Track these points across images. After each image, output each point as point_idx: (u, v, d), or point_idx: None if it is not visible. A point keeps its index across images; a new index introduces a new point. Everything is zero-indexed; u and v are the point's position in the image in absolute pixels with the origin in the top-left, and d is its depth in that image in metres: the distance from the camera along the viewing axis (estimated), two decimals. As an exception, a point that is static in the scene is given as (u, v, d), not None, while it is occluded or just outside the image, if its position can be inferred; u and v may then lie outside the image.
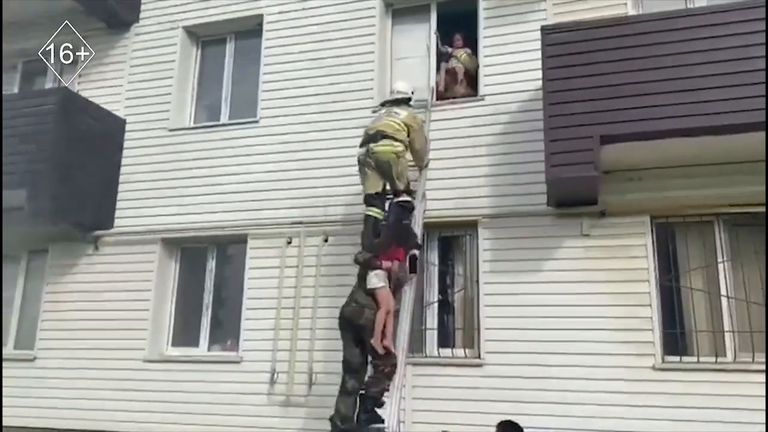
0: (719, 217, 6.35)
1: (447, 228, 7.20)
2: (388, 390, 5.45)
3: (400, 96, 6.65)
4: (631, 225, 6.48)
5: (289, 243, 7.49)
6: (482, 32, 7.48)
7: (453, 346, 6.95)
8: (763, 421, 5.61)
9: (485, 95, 7.27)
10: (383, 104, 6.78)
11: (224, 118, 8.43)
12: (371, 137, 6.29)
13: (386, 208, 6.32)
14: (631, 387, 6.08)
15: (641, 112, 5.83)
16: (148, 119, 8.42)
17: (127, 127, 8.46)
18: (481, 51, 7.44)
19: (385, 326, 5.49)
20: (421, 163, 6.77)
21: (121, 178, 8.31)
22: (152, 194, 8.12)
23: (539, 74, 6.46)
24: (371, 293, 5.59)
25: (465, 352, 6.83)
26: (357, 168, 6.47)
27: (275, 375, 7.09)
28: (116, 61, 8.80)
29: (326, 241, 7.37)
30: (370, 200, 6.29)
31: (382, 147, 6.19)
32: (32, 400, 7.83)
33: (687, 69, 5.80)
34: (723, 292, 6.21)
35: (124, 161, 8.36)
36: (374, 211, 6.24)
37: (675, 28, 5.97)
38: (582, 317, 6.38)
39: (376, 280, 5.61)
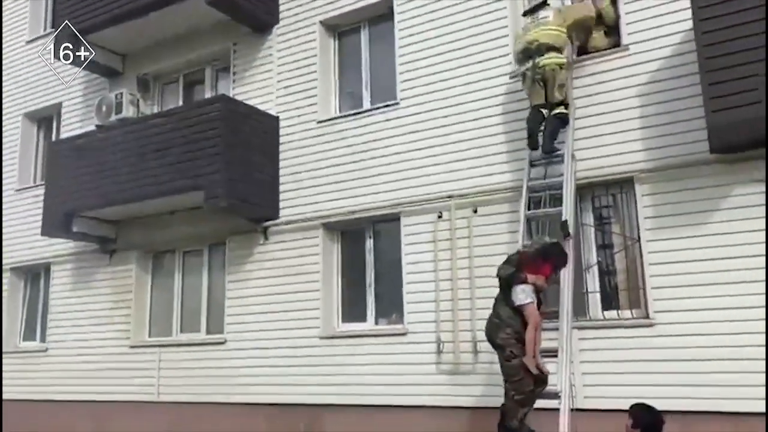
0: None
1: (600, 187, 7.01)
2: (524, 420, 5.31)
3: (539, 1, 6.84)
4: (812, 164, 5.94)
5: (440, 217, 7.69)
6: (622, -22, 7.12)
7: (618, 308, 6.79)
8: None
9: (629, 44, 6.93)
10: (525, 14, 7.02)
11: (366, 104, 8.76)
12: (535, 50, 6.62)
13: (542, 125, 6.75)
14: (822, 340, 5.63)
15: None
16: (298, 114, 8.95)
17: (281, 123, 9.05)
18: (622, -1, 7.09)
19: (535, 343, 5.34)
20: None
21: (281, 171, 8.93)
22: (310, 183, 8.66)
23: (688, 15, 6.10)
24: (518, 309, 5.41)
25: (632, 313, 6.65)
26: (522, 82, 6.93)
27: (441, 345, 7.37)
28: (264, 62, 9.40)
29: (475, 211, 7.47)
30: (535, 105, 6.78)
31: (548, 60, 6.57)
32: (225, 378, 8.77)
33: None
34: None
35: (281, 155, 8.97)
36: (540, 110, 6.71)
37: None
38: (758, 268, 5.96)
39: (523, 296, 5.41)
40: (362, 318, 8.31)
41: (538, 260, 5.62)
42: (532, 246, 6.10)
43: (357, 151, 8.40)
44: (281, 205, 8.84)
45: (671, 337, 6.26)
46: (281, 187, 8.89)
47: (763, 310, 5.86)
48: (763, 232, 5.98)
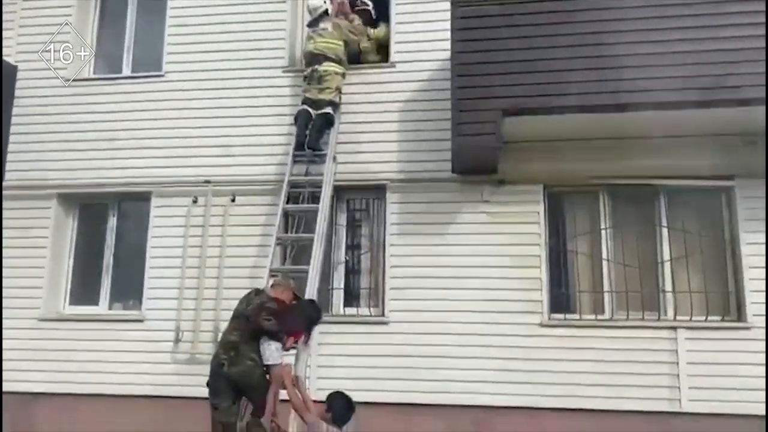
0: (604, 187, 6.92)
1: (356, 191, 7.38)
2: None
3: (319, 13, 7.20)
4: (526, 193, 6.92)
5: (195, 202, 7.41)
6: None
7: (359, 306, 7.20)
8: (633, 371, 6.35)
9: (396, 62, 7.42)
10: (309, 25, 7.32)
11: (126, 70, 8.11)
12: (316, 59, 7.10)
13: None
14: (522, 342, 6.61)
15: (542, 87, 6.17)
16: (42, 67, 7.91)
17: (20, 74, 7.93)
18: (394, 18, 7.55)
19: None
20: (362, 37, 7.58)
21: (13, 128, 7.81)
22: (48, 147, 7.72)
23: (449, 45, 6.68)
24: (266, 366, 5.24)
25: (370, 311, 7.10)
26: (304, 83, 7.20)
27: (180, 333, 7.08)
28: (6, 2, 8.14)
29: (233, 200, 7.35)
30: (307, 102, 7.06)
31: (326, 68, 7.06)
32: None
33: (588, 48, 6.14)
34: (604, 255, 6.83)
35: (16, 111, 7.85)
36: (309, 110, 7.01)
37: (577, 8, 6.29)
38: (480, 278, 6.80)
39: (277, 354, 5.27)
40: (94, 301, 7.63)
41: (297, 323, 5.45)
42: (283, 284, 5.82)
43: (109, 119, 7.73)
44: (9, 167, 7.73)
45: (402, 334, 6.80)
46: (11, 147, 7.77)
47: (482, 314, 6.70)
48: (487, 246, 6.85)
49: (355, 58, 7.54)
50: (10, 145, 7.77)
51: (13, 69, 7.89)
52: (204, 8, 7.85)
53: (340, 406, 4.86)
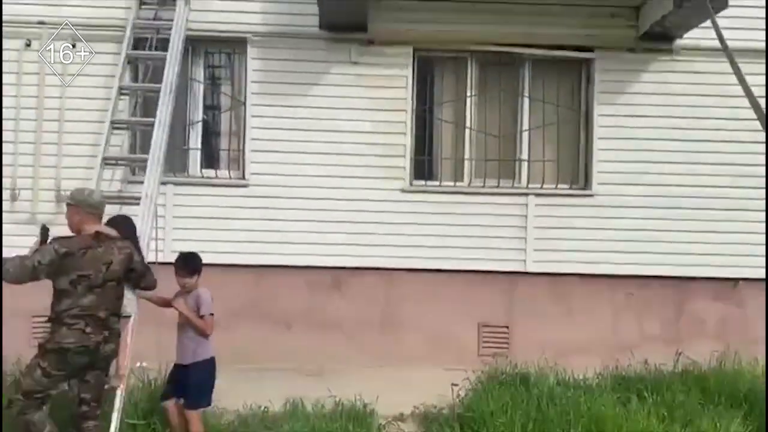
0: (472, 54, 6.83)
1: (214, 44, 6.82)
2: None
3: None
4: (395, 55, 6.70)
5: (28, 45, 6.55)
6: None
7: (218, 168, 6.87)
8: (486, 234, 6.63)
9: None
10: None
11: None
12: None
13: None
14: (383, 207, 6.65)
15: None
16: None
17: None
18: None
19: None
20: None
21: None
22: None
23: None
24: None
25: (230, 174, 6.80)
26: None
27: (17, 192, 6.48)
28: None
29: (74, 46, 6.54)
30: None
31: None
32: None
33: None
34: (467, 124, 6.86)
35: None
36: None
37: None
38: (345, 143, 6.66)
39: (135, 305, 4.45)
40: None
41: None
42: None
43: None
44: None
45: (263, 198, 6.62)
46: None
47: (345, 179, 6.63)
48: (352, 111, 6.66)
49: None
50: None
51: None
52: None
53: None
